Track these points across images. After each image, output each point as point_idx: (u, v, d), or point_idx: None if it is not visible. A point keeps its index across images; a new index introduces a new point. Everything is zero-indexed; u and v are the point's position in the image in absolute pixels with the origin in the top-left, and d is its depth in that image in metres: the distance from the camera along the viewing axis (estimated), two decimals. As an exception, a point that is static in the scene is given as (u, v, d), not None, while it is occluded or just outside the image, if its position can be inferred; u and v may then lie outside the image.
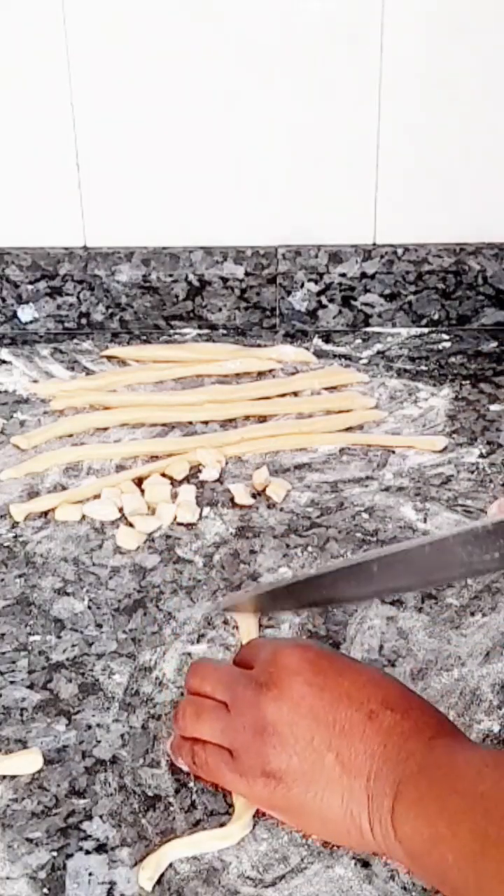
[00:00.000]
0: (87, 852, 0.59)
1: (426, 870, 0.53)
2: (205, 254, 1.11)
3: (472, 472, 0.90)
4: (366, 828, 0.55)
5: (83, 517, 0.86)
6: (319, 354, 1.09)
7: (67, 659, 0.72)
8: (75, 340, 1.12)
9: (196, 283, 1.12)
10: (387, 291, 1.13)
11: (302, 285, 1.12)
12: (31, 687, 0.70)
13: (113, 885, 0.57)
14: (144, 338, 1.13)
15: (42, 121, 1.06)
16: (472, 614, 0.75)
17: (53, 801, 0.62)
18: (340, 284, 1.12)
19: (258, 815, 0.60)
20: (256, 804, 0.60)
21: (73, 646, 0.73)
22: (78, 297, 1.12)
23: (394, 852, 0.54)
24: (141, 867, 0.57)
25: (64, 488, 0.89)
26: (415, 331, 1.13)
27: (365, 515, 0.85)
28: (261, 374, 1.05)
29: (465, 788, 0.51)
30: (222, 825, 0.60)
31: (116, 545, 0.82)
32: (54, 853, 0.59)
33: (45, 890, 0.57)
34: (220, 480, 0.90)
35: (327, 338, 1.12)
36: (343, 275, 1.12)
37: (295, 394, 1.02)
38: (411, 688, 0.60)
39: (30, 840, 0.59)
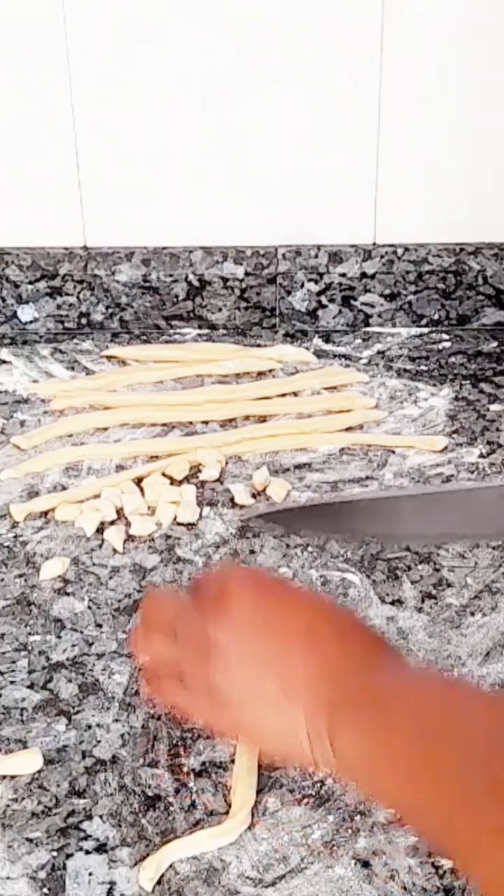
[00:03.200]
0: (87, 852, 0.59)
1: (362, 782, 0.55)
2: (205, 254, 1.11)
3: (472, 472, 0.90)
4: (305, 745, 0.56)
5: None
6: (319, 354, 1.09)
7: (67, 659, 0.72)
8: (75, 340, 1.12)
9: (196, 283, 1.12)
10: (387, 291, 1.13)
11: (302, 285, 1.12)
12: (31, 687, 0.70)
13: (113, 885, 0.57)
14: (144, 338, 1.13)
15: (42, 121, 1.06)
16: (472, 614, 0.75)
17: (53, 801, 0.62)
18: (340, 284, 1.12)
19: (255, 810, 0.60)
20: (201, 720, 0.61)
21: (73, 646, 0.73)
22: (78, 297, 1.12)
23: (332, 766, 0.56)
24: (141, 868, 0.57)
25: (64, 488, 0.89)
26: (415, 331, 1.13)
27: (365, 515, 0.86)
28: (261, 374, 1.05)
29: (398, 705, 0.53)
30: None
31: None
32: (54, 853, 0.59)
33: (45, 890, 0.57)
34: (220, 480, 0.90)
35: (327, 338, 1.12)
36: (343, 275, 1.12)
37: (295, 394, 1.02)
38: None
39: (30, 840, 0.59)
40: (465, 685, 0.57)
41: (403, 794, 0.51)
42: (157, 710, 0.65)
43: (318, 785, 0.62)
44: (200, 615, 0.60)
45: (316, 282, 1.12)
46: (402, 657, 0.59)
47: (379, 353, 1.10)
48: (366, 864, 0.57)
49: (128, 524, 0.85)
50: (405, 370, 1.06)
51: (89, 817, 0.61)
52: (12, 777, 0.63)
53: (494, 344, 1.11)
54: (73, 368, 1.07)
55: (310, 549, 0.82)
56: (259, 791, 0.62)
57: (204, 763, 0.64)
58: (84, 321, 1.14)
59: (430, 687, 0.54)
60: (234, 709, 0.58)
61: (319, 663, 0.57)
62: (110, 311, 1.13)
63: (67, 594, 0.78)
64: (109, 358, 1.08)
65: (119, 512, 0.86)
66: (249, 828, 0.60)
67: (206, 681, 0.59)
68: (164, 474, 0.90)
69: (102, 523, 0.85)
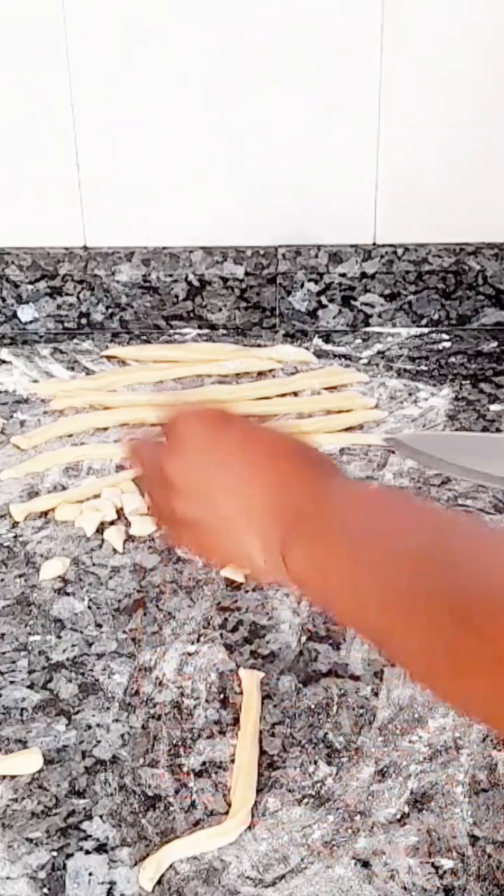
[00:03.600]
0: (87, 852, 0.59)
1: (314, 594, 0.60)
2: (205, 254, 1.11)
3: (472, 472, 0.90)
4: (260, 562, 0.60)
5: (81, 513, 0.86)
6: (319, 354, 1.09)
7: (67, 659, 0.72)
8: (75, 340, 1.12)
9: (196, 283, 1.12)
10: (387, 291, 1.13)
11: (302, 285, 1.12)
12: (31, 687, 0.70)
13: (113, 885, 0.57)
14: (144, 338, 1.13)
15: (42, 121, 1.06)
16: (472, 614, 0.75)
17: (53, 801, 0.62)
18: (340, 284, 1.12)
19: (255, 810, 0.60)
20: (178, 545, 0.70)
21: (73, 646, 0.73)
22: (78, 297, 1.12)
23: (286, 580, 0.59)
24: (142, 868, 0.57)
25: (64, 488, 0.89)
26: (415, 331, 1.13)
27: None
28: (261, 374, 1.05)
29: (342, 521, 0.56)
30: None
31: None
32: (54, 853, 0.59)
33: (45, 890, 0.57)
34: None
35: (327, 338, 1.12)
36: (343, 275, 1.12)
37: (295, 394, 1.02)
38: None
39: (30, 840, 0.59)
40: (406, 497, 0.63)
41: (348, 600, 0.54)
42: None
43: (318, 785, 0.62)
44: (158, 454, 0.66)
45: (316, 282, 1.12)
46: (341, 472, 0.63)
47: (379, 353, 1.10)
48: (366, 864, 0.57)
49: (128, 524, 0.85)
50: (405, 370, 1.06)
51: (89, 817, 0.61)
52: (12, 777, 0.63)
53: (494, 344, 1.11)
54: (73, 368, 1.07)
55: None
56: (259, 791, 0.62)
57: (204, 763, 0.64)
58: (84, 321, 1.14)
59: (367, 498, 0.59)
60: (196, 530, 0.63)
61: (274, 483, 0.60)
62: (110, 311, 1.13)
63: (67, 594, 0.78)
64: (109, 358, 1.08)
65: (119, 512, 0.86)
66: (249, 828, 0.60)
67: (169, 511, 0.64)
68: (164, 474, 0.90)
69: (102, 523, 0.85)
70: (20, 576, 0.79)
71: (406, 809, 0.60)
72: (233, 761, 0.63)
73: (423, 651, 0.48)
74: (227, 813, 0.60)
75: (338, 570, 0.55)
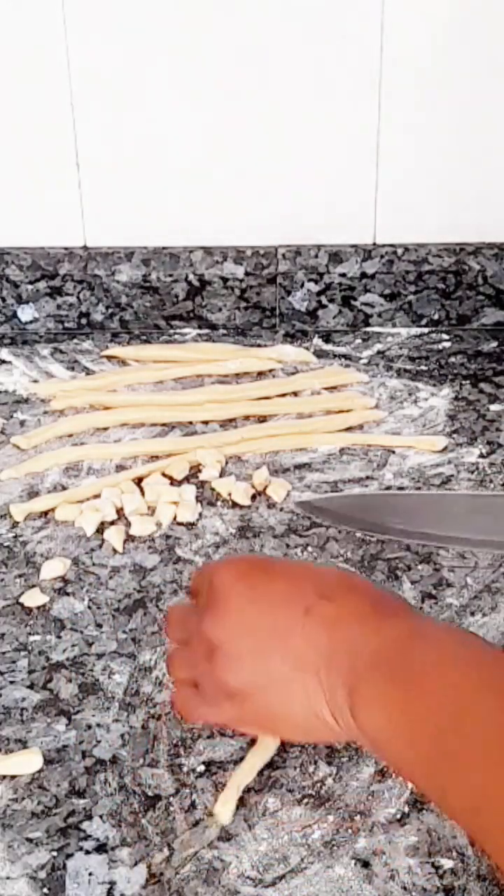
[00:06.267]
0: (87, 852, 0.59)
1: (390, 760, 0.54)
2: (205, 254, 1.11)
3: (472, 472, 0.90)
4: (330, 721, 0.55)
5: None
6: (319, 354, 1.09)
7: (67, 659, 0.72)
8: (75, 340, 1.12)
9: (196, 283, 1.12)
10: (387, 291, 1.13)
11: (302, 285, 1.12)
12: (31, 687, 0.70)
13: (113, 885, 0.57)
14: (144, 338, 1.13)
15: (42, 121, 1.06)
16: (472, 614, 0.75)
17: (53, 801, 0.62)
18: (340, 284, 1.12)
19: (255, 810, 0.60)
20: (233, 726, 0.62)
21: (73, 646, 0.73)
22: (78, 297, 1.12)
23: (361, 740, 0.54)
24: (219, 804, 0.60)
25: (64, 488, 0.89)
26: (415, 331, 1.13)
27: (365, 515, 0.86)
28: (261, 374, 1.05)
29: (422, 682, 0.50)
30: (222, 826, 0.60)
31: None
32: (54, 853, 0.59)
33: (45, 890, 0.57)
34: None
35: (327, 338, 1.12)
36: (343, 275, 1.12)
37: (295, 394, 1.02)
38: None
39: (30, 840, 0.59)
40: (498, 653, 0.54)
41: (426, 771, 0.49)
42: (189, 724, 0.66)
43: (318, 785, 0.62)
44: (198, 621, 0.59)
45: (316, 282, 1.12)
46: (413, 611, 0.57)
47: (379, 353, 1.10)
48: (366, 864, 0.57)
49: (128, 524, 0.85)
50: (405, 370, 1.06)
51: (89, 817, 0.61)
52: (12, 777, 0.63)
53: (494, 344, 1.11)
54: (73, 368, 1.07)
55: (310, 548, 0.82)
56: (259, 791, 0.62)
57: (204, 763, 0.64)
58: (84, 321, 1.14)
59: (457, 650, 0.51)
60: (254, 701, 0.57)
61: (322, 633, 0.55)
62: (110, 311, 1.13)
63: (67, 594, 0.78)
64: (109, 358, 1.08)
65: (119, 512, 0.86)
66: (249, 828, 0.60)
67: (218, 684, 0.58)
68: (163, 474, 0.90)
69: (102, 523, 0.85)
70: (20, 576, 0.79)
71: (406, 809, 0.60)
72: (233, 761, 0.63)
73: (475, 793, 0.45)
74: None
75: (420, 752, 0.49)
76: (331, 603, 0.56)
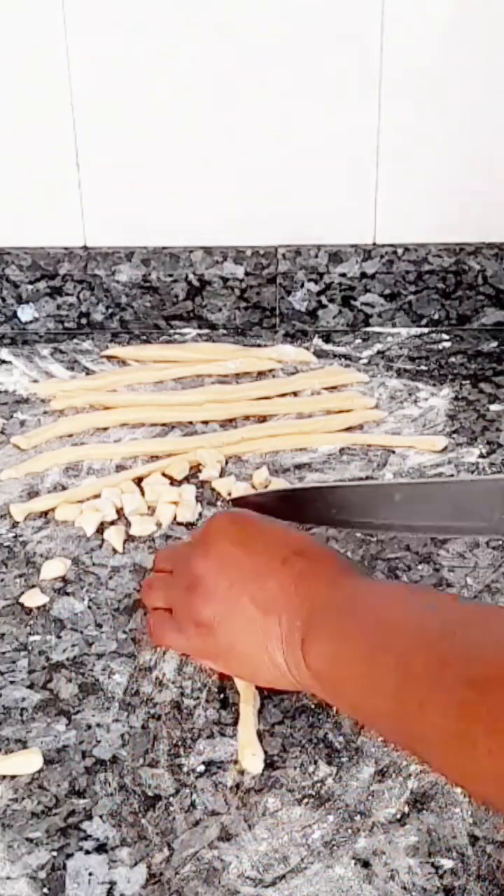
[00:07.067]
0: (87, 852, 0.59)
1: (329, 690, 0.60)
2: (205, 254, 1.11)
3: (472, 472, 0.90)
4: (281, 662, 0.61)
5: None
6: (319, 354, 1.09)
7: (67, 659, 0.72)
8: (75, 340, 1.12)
9: (196, 283, 1.12)
10: (387, 291, 1.13)
11: (302, 285, 1.12)
12: (31, 687, 0.70)
13: (113, 885, 0.57)
14: (144, 338, 1.13)
15: (42, 121, 1.06)
16: (472, 614, 0.75)
17: (53, 801, 0.62)
18: (340, 284, 1.12)
19: (255, 809, 0.60)
20: (195, 656, 0.68)
21: (73, 646, 0.73)
22: (78, 297, 1.12)
23: (307, 682, 0.61)
24: (245, 758, 0.62)
25: (64, 488, 0.89)
26: (415, 331, 1.13)
27: (365, 515, 0.85)
28: (261, 374, 1.05)
29: (363, 614, 0.58)
30: (223, 826, 0.60)
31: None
32: (54, 853, 0.59)
33: (45, 890, 0.57)
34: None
35: (327, 338, 1.12)
36: (343, 275, 1.12)
37: (295, 394, 1.02)
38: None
39: (30, 840, 0.59)
40: (424, 588, 0.65)
41: (362, 688, 0.56)
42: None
43: (319, 785, 0.62)
44: (190, 556, 0.67)
45: (316, 282, 1.12)
46: (368, 574, 0.65)
47: (379, 353, 1.10)
48: (366, 864, 0.57)
49: (128, 524, 0.85)
50: (405, 370, 1.06)
51: (89, 817, 0.61)
52: (12, 777, 0.63)
53: (494, 344, 1.11)
54: (73, 368, 1.07)
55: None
56: (259, 791, 0.62)
57: (204, 763, 0.64)
58: (84, 321, 1.14)
59: (390, 594, 0.60)
60: (216, 634, 0.64)
61: (291, 582, 0.62)
62: (110, 311, 1.13)
63: (67, 594, 0.78)
64: (109, 358, 1.08)
65: (119, 512, 0.86)
66: (249, 827, 0.60)
67: (191, 613, 0.65)
68: (164, 474, 0.90)
69: (102, 523, 0.85)
70: (20, 576, 0.79)
71: (406, 809, 0.60)
72: (233, 761, 0.64)
73: (439, 732, 0.49)
74: (227, 812, 0.60)
75: (351, 656, 0.57)
76: (304, 559, 0.63)
